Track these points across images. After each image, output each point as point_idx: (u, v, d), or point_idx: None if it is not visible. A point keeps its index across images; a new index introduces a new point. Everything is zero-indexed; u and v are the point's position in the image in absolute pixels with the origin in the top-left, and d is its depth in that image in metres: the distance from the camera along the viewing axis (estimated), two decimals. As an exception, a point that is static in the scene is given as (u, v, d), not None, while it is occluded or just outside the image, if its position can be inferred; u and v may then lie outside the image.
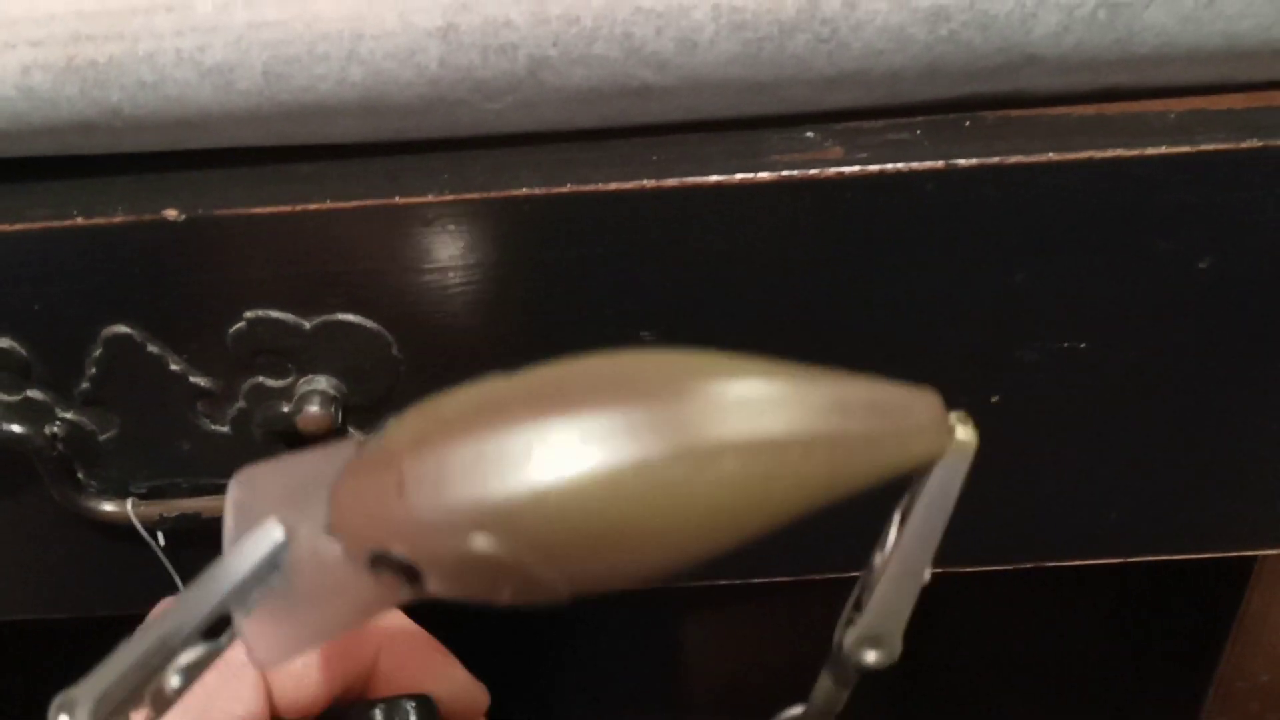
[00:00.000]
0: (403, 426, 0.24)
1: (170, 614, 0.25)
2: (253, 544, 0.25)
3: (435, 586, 0.23)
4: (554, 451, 0.22)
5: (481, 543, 0.22)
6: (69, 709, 0.23)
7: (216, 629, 0.26)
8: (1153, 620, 0.58)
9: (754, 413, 0.23)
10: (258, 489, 0.27)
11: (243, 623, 0.25)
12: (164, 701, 0.25)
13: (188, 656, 0.25)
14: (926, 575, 0.26)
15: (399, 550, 0.23)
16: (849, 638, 0.24)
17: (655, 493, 0.22)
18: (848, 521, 0.41)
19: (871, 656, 0.24)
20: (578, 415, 0.22)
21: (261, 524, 0.25)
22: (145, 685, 0.24)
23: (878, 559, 0.26)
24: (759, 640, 0.80)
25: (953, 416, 0.26)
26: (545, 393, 0.23)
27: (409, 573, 0.23)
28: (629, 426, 0.22)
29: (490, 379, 0.24)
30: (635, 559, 0.23)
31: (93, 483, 0.40)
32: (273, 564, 0.25)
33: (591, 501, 0.22)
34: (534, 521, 0.22)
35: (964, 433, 0.26)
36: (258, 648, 0.25)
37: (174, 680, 0.25)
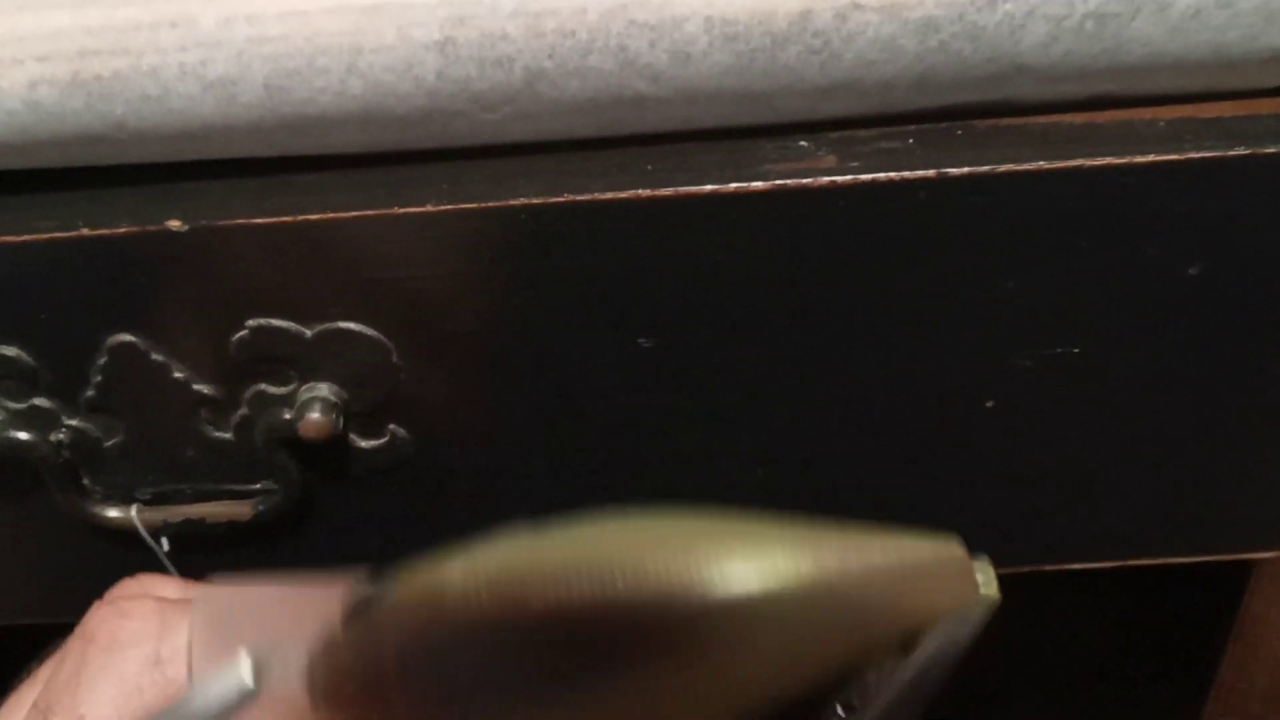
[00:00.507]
0: (399, 609, 0.23)
1: None
2: (220, 681, 0.24)
3: None
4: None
5: None
6: None
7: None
8: (1152, 624, 0.59)
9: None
10: (225, 615, 0.26)
11: None
12: None
13: None
14: None
15: None
16: None
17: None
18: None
19: None
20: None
21: (231, 659, 0.24)
22: None
23: (872, 681, 0.26)
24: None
25: (977, 569, 0.25)
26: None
27: None
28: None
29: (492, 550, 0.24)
30: None
31: (98, 489, 0.40)
32: (238, 705, 0.24)
33: None
34: None
35: (987, 587, 0.25)
36: None
37: None
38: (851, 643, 0.23)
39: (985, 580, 0.25)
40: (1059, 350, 0.37)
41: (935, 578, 0.24)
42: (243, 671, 0.24)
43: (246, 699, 0.24)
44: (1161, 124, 0.35)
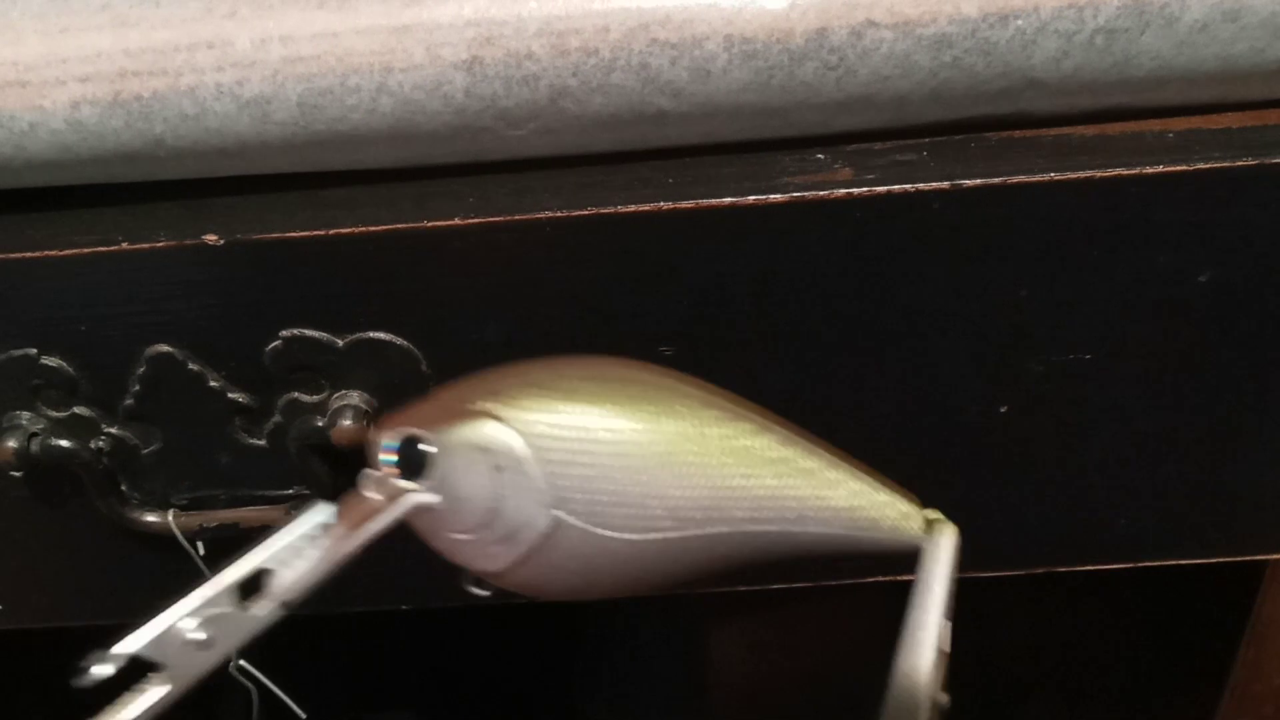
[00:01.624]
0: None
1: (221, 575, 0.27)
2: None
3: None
4: None
5: None
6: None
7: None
8: (1167, 625, 0.59)
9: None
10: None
11: None
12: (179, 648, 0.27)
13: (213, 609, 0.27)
14: (944, 699, 0.27)
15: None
16: None
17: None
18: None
19: None
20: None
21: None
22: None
23: None
24: (781, 648, 0.81)
25: (928, 512, 0.30)
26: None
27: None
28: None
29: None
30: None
31: (136, 495, 0.41)
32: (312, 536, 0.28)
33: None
34: None
35: (937, 521, 0.30)
36: None
37: (192, 628, 0.27)
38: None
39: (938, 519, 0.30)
40: (1071, 357, 0.38)
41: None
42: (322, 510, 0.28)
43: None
44: (1171, 135, 0.35)
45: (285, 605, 0.29)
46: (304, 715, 0.46)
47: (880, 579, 0.44)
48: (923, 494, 0.42)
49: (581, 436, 0.28)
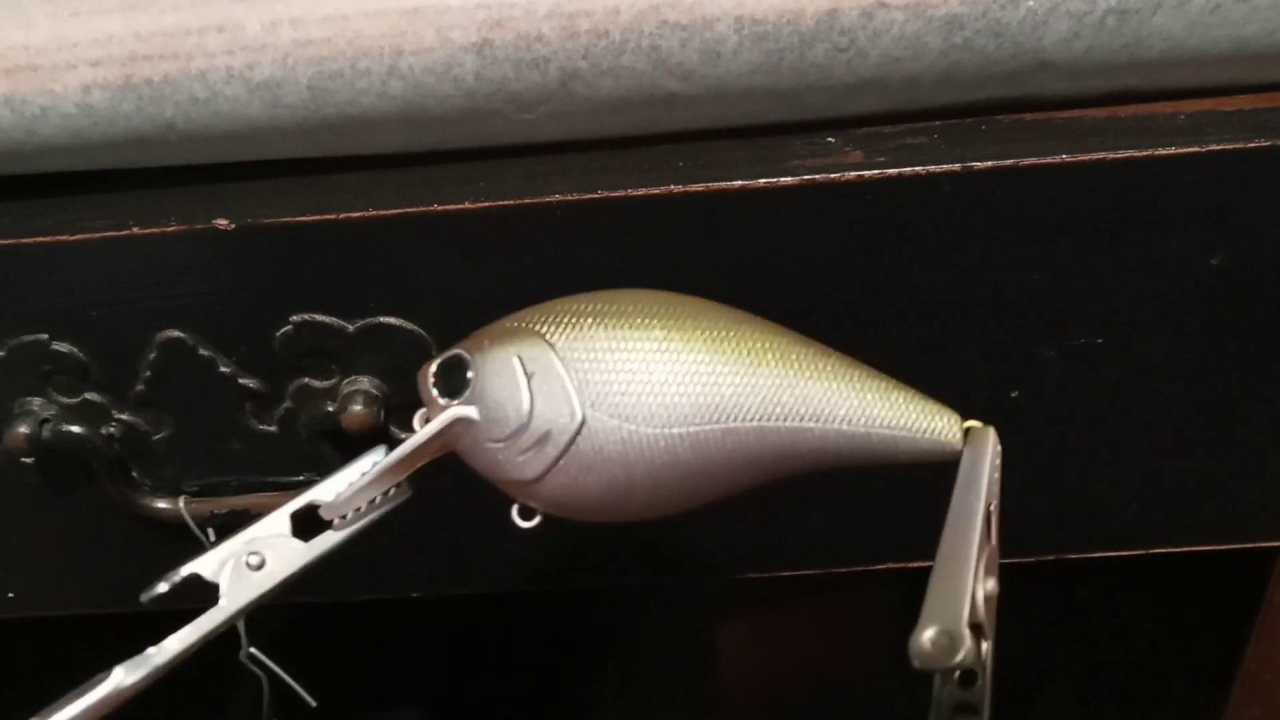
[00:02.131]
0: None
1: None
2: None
3: None
4: None
5: None
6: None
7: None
8: (1177, 613, 0.59)
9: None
10: None
11: None
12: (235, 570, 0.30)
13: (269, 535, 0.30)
14: (992, 585, 0.27)
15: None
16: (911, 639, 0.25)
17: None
18: (872, 514, 0.43)
19: (927, 635, 0.23)
20: None
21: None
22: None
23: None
24: (790, 640, 0.81)
25: (969, 422, 0.29)
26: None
27: None
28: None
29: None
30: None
31: (146, 481, 0.41)
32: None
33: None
34: None
35: (977, 427, 0.29)
36: None
37: (252, 559, 0.30)
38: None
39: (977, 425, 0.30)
40: (1082, 340, 0.38)
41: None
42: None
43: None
44: (1182, 117, 0.35)
45: (335, 525, 0.31)
46: (314, 703, 0.46)
47: (891, 565, 0.44)
48: (930, 479, 0.42)
49: (609, 338, 0.29)
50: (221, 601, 0.30)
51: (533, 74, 0.34)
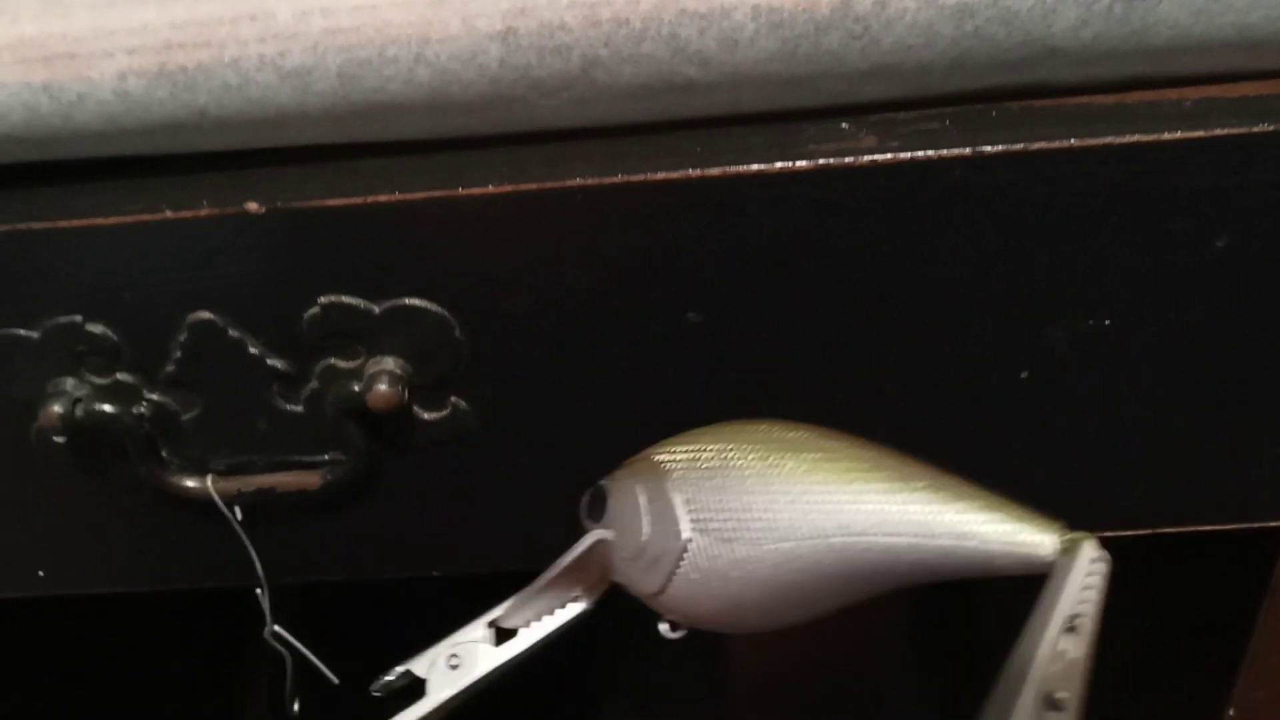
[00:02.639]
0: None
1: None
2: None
3: None
4: None
5: None
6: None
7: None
8: (1184, 595, 0.60)
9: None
10: None
11: None
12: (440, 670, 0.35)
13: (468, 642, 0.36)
14: (1064, 695, 0.29)
15: None
16: None
17: None
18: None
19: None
20: None
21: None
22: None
23: None
24: (799, 639, 0.81)
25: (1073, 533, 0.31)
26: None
27: None
28: None
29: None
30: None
31: (175, 460, 0.42)
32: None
33: None
34: None
35: (1072, 538, 0.31)
36: None
37: (449, 655, 0.35)
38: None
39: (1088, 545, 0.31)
40: (1091, 322, 0.39)
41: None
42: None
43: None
44: (1188, 103, 0.36)
45: (500, 633, 0.36)
46: (337, 680, 0.47)
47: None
48: (942, 459, 0.43)
49: (715, 464, 0.32)
50: (427, 695, 0.35)
51: (555, 61, 0.35)
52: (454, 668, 0.35)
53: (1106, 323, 0.39)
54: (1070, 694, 0.29)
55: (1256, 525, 0.45)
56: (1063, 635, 0.29)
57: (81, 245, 0.37)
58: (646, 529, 0.32)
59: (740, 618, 0.32)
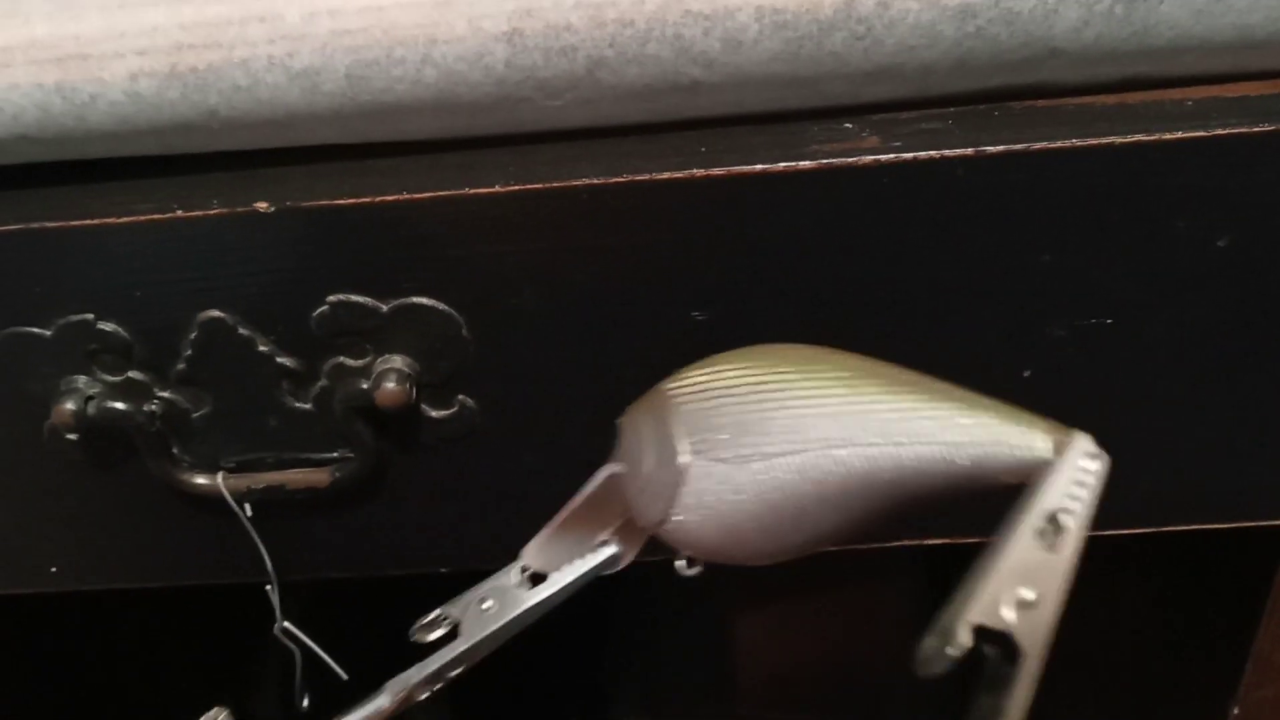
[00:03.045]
0: None
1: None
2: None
3: None
4: None
5: None
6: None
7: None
8: (1188, 593, 0.60)
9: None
10: None
11: None
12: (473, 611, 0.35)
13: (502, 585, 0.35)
14: (1031, 595, 0.27)
15: None
16: None
17: None
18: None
19: (928, 638, 0.25)
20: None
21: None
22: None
23: None
24: (808, 634, 0.81)
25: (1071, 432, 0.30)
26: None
27: None
28: None
29: None
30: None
31: (186, 457, 0.43)
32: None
33: None
34: None
35: (1064, 434, 0.30)
36: None
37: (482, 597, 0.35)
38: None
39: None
40: (1093, 321, 0.39)
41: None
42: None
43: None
44: (1190, 103, 0.36)
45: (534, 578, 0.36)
46: (345, 676, 0.47)
47: (908, 543, 0.45)
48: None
49: (709, 383, 0.31)
50: (459, 636, 0.35)
51: (561, 62, 0.35)
52: (486, 611, 0.35)
53: (1108, 322, 0.39)
54: (1041, 596, 0.26)
55: (1261, 524, 0.45)
56: (1041, 534, 0.27)
57: (93, 244, 0.38)
58: (650, 459, 0.32)
59: (744, 541, 0.31)
